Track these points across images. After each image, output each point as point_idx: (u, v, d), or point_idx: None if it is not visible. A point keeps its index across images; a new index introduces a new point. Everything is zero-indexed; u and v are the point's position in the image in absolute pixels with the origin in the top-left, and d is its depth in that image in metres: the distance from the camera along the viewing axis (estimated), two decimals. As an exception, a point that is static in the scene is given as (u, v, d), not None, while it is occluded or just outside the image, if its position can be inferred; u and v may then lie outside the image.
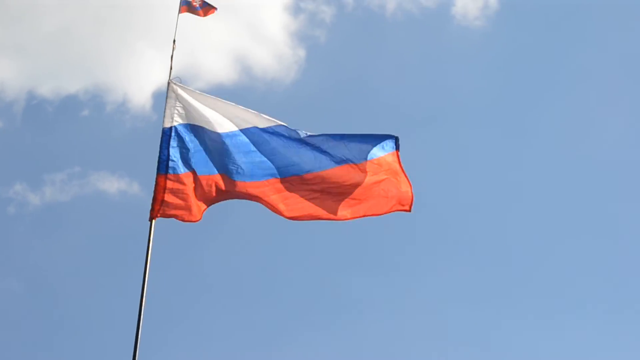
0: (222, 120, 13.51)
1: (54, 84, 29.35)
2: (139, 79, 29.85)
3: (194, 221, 13.19)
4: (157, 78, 29.32)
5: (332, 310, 26.05)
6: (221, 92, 26.53)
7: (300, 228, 26.08)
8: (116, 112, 29.53)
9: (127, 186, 28.17)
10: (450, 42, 31.71)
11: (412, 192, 13.61)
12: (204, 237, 25.88)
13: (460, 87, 30.84)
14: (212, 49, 28.80)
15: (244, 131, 13.54)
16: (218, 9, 14.52)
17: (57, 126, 29.87)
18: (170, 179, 13.14)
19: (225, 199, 13.44)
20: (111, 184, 28.07)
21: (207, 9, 14.49)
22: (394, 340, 25.29)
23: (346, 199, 13.43)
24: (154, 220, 12.97)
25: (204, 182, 13.28)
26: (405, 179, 13.62)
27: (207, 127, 13.47)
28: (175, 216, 13.14)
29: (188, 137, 13.43)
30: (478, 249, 28.11)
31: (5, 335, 25.32)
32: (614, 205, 29.01)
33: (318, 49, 30.62)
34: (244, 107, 13.68)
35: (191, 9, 14.39)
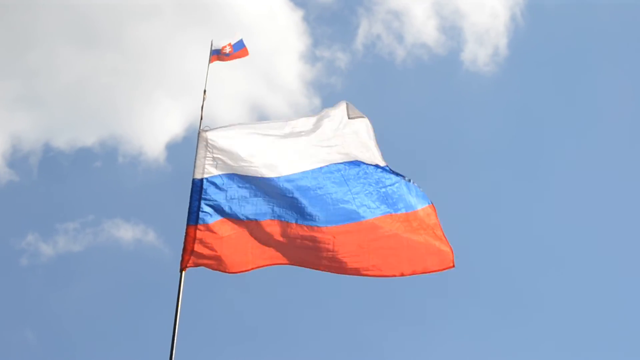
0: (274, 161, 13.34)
1: (70, 135, 29.49)
2: (153, 129, 29.97)
3: (227, 271, 13.10)
4: (171, 128, 29.42)
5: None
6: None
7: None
8: (130, 163, 29.63)
9: (142, 234, 28.14)
10: (460, 87, 31.87)
11: (451, 248, 13.49)
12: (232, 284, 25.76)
13: (474, 133, 30.93)
14: (227, 97, 28.93)
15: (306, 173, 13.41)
16: (249, 52, 14.50)
17: (71, 177, 29.99)
18: (200, 230, 13.05)
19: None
20: (126, 232, 28.05)
21: (239, 52, 14.46)
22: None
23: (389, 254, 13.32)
24: (183, 271, 12.85)
25: (253, 227, 13.17)
26: (442, 234, 13.51)
27: (251, 174, 13.26)
28: (206, 265, 13.03)
29: (225, 185, 13.24)
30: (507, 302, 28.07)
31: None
32: (636, 245, 29.02)
33: (334, 97, 30.75)
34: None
35: (221, 57, 14.40)
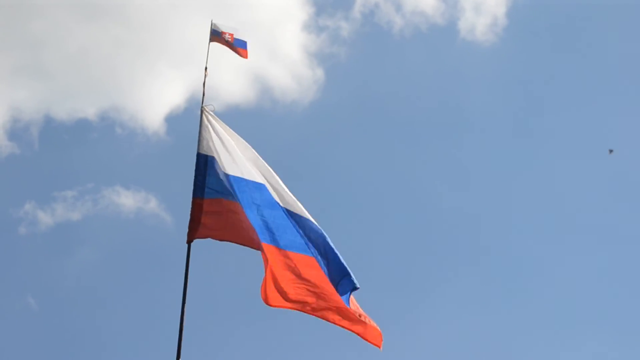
0: (250, 168, 13.61)
1: (71, 105, 29.62)
2: (155, 100, 30.08)
3: (232, 241, 13.46)
4: (173, 99, 29.53)
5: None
6: (239, 113, 26.80)
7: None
8: (131, 133, 29.76)
9: (143, 202, 28.31)
10: (458, 57, 32.00)
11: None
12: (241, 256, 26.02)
13: (471, 102, 31.11)
14: (230, 68, 29.05)
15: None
16: (249, 52, 14.65)
17: (70, 147, 30.07)
18: (206, 203, 13.38)
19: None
20: (127, 199, 28.19)
21: (239, 50, 14.59)
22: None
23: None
24: (191, 243, 13.20)
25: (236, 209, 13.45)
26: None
27: (230, 172, 13.52)
28: (212, 236, 13.37)
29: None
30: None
31: (25, 351, 25.51)
32: (627, 213, 29.29)
33: (339, 68, 30.76)
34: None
35: (220, 40, 14.55)
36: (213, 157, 13.55)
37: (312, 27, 31.09)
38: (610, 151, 22.10)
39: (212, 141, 13.62)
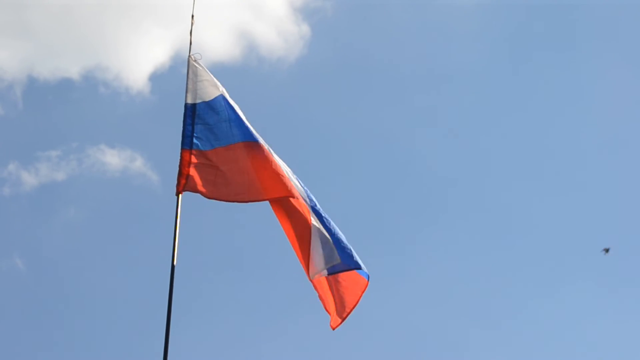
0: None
1: (55, 64, 29.31)
2: (140, 59, 29.81)
3: (221, 199, 13.25)
4: (159, 57, 29.30)
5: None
6: (225, 70, 26.59)
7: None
8: (115, 92, 29.48)
9: (129, 161, 28.15)
10: (448, 11, 31.83)
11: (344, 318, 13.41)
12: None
13: (460, 58, 31.02)
14: (215, 25, 28.79)
15: None
16: None
17: (54, 107, 29.81)
18: (194, 154, 13.23)
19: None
20: (112, 158, 28.03)
21: None
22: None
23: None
24: (180, 195, 13.04)
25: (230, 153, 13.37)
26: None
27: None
28: (201, 192, 13.16)
29: (211, 112, 13.50)
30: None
31: (14, 312, 25.46)
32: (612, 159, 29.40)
33: (323, 23, 30.57)
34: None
35: None
36: (202, 102, 13.44)
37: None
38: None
39: (201, 88, 13.50)
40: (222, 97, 13.62)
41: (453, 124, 30.00)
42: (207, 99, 13.55)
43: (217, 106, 13.54)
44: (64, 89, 29.54)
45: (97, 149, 28.09)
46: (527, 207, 28.75)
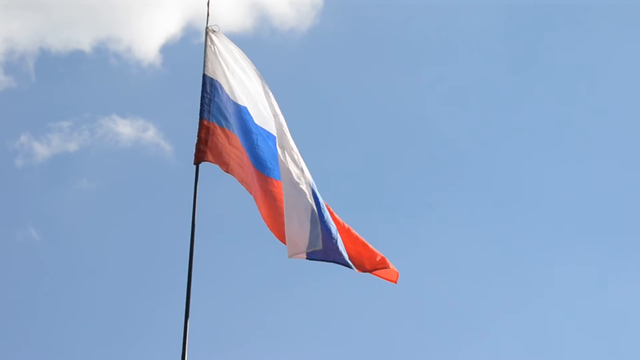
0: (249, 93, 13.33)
1: (67, 35, 29.27)
2: (153, 31, 29.76)
3: (235, 177, 13.13)
4: (171, 29, 29.23)
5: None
6: (237, 41, 26.41)
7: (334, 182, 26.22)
8: (127, 63, 29.43)
9: (141, 131, 28.18)
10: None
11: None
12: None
13: (477, 23, 30.93)
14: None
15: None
16: None
17: (66, 79, 29.80)
18: (211, 126, 13.04)
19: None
20: (124, 128, 28.06)
21: None
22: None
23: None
24: (198, 165, 12.86)
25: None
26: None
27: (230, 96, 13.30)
28: (219, 164, 13.04)
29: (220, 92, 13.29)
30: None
31: (30, 281, 25.63)
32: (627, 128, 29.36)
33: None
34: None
35: None
36: (219, 82, 13.25)
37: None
38: None
39: (219, 65, 13.27)
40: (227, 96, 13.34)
41: (466, 91, 30.03)
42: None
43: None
44: (76, 60, 29.57)
45: (109, 119, 28.15)
46: (540, 174, 28.84)
